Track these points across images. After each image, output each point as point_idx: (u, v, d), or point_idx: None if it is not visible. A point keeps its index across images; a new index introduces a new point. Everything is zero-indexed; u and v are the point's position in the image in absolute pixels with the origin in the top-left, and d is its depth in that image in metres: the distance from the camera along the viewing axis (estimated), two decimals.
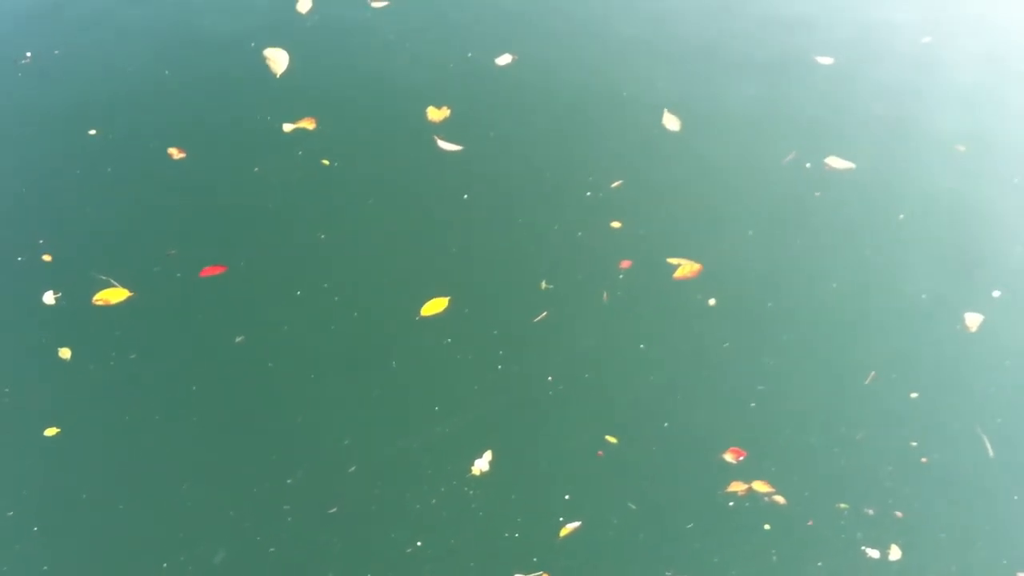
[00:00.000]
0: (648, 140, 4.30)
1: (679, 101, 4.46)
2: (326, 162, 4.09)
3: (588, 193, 4.05)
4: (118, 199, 3.94)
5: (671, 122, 4.35)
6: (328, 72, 4.51)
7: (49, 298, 3.59)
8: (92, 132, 4.20)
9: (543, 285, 3.70)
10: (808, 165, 4.22)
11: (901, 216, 4.04)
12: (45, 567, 2.95)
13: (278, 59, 4.52)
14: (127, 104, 4.35)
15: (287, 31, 4.69)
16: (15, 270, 3.70)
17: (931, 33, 4.95)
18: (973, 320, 3.69)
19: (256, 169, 4.06)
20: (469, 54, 4.62)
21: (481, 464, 3.22)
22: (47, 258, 3.72)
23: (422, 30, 4.76)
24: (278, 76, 4.46)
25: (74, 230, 3.84)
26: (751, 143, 4.32)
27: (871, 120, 4.45)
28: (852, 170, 4.18)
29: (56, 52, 4.59)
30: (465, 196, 4.01)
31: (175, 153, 4.09)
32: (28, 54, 4.57)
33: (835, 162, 4.19)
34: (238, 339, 3.51)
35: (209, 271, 3.68)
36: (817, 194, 4.10)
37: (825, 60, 4.72)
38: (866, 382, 3.50)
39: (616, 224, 3.93)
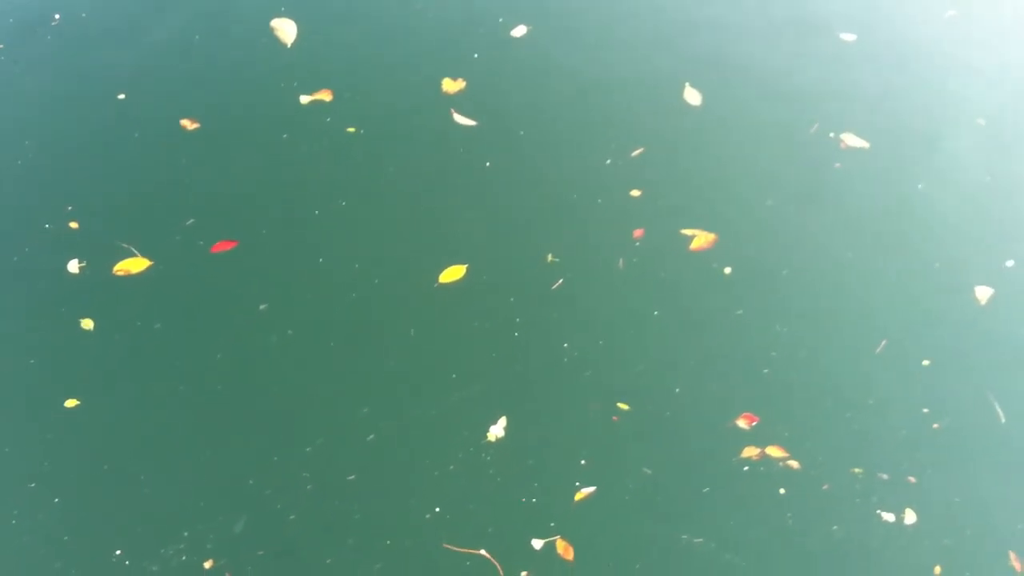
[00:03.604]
0: (669, 113, 4.04)
1: (700, 75, 4.20)
2: (351, 130, 3.87)
3: (608, 161, 3.83)
4: (143, 165, 3.71)
5: (692, 96, 4.10)
6: (340, 43, 4.24)
7: (74, 267, 3.38)
8: (121, 96, 3.97)
9: (549, 258, 3.49)
10: (832, 135, 3.98)
11: (920, 185, 3.83)
12: (66, 537, 2.78)
13: (286, 29, 4.26)
14: (153, 69, 4.10)
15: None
16: (43, 237, 3.48)
17: (955, 6, 4.69)
18: (983, 293, 3.48)
19: (285, 136, 3.83)
20: (483, 26, 4.35)
21: (496, 430, 3.04)
22: (74, 225, 3.51)
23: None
24: (288, 46, 4.22)
25: (101, 197, 3.61)
26: (772, 118, 4.06)
27: (892, 95, 4.20)
28: (868, 149, 3.95)
29: (83, 15, 4.34)
30: (487, 164, 3.78)
31: (188, 124, 3.85)
32: (56, 16, 4.33)
33: (851, 139, 3.95)
34: (262, 307, 3.31)
35: (220, 246, 3.48)
36: (837, 165, 3.87)
37: (848, 36, 4.46)
38: (877, 351, 3.30)
39: (635, 192, 3.72)
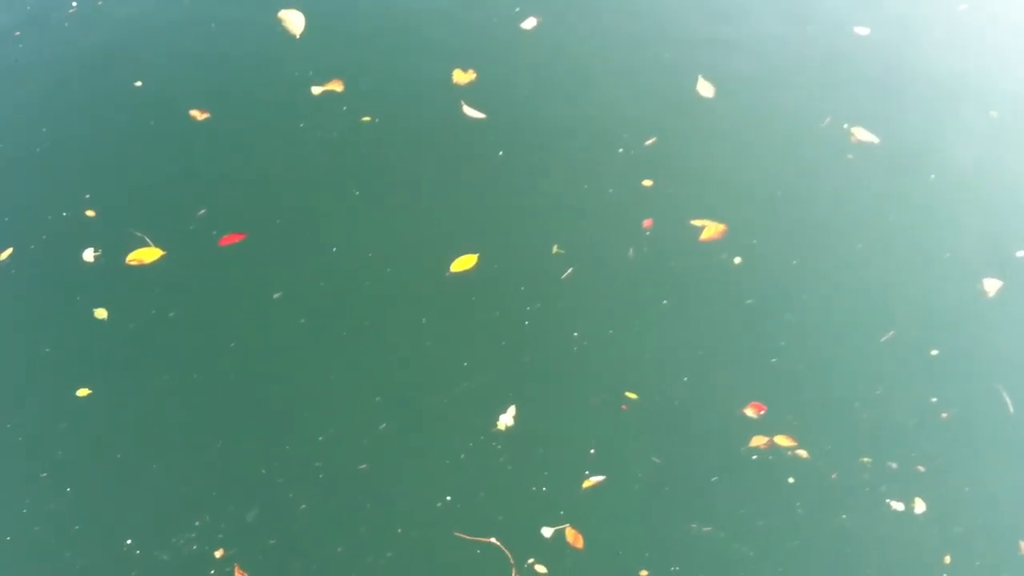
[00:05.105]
0: (682, 105, 3.94)
1: (714, 68, 4.08)
2: (367, 118, 3.78)
3: (620, 150, 3.73)
4: (159, 154, 3.64)
5: (705, 89, 3.99)
6: (349, 34, 4.14)
7: (89, 255, 3.31)
8: (138, 84, 3.89)
9: (555, 249, 3.40)
10: (845, 126, 3.87)
11: (932, 176, 3.72)
12: (77, 526, 2.72)
13: (294, 20, 4.16)
14: (169, 58, 4.02)
15: None
16: (60, 225, 3.41)
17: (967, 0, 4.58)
18: (992, 284, 3.38)
19: (301, 125, 3.75)
20: (493, 17, 4.24)
21: (506, 419, 2.97)
22: (91, 213, 3.43)
23: None
24: (297, 37, 4.12)
25: (117, 185, 3.54)
26: (784, 111, 3.95)
27: (905, 88, 4.08)
28: (878, 143, 3.83)
29: (99, 3, 4.25)
30: (500, 153, 3.69)
31: (198, 115, 3.77)
32: (74, 4, 4.24)
33: (862, 133, 3.84)
34: (276, 295, 3.24)
35: (228, 239, 3.39)
36: (849, 156, 3.76)
37: (862, 30, 4.33)
38: (882, 340, 3.21)
39: (647, 182, 3.62)
